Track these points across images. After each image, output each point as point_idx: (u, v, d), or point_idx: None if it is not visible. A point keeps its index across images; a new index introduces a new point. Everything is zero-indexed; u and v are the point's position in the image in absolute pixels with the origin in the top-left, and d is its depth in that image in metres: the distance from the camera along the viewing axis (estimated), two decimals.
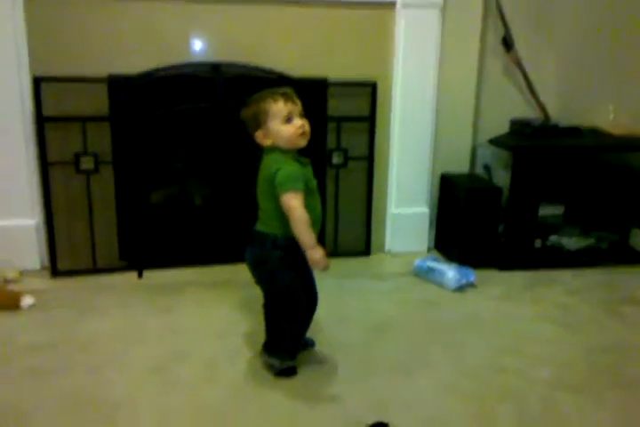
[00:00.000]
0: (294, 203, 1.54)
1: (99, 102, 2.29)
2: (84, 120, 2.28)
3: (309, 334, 1.78)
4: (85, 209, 2.36)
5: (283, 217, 1.58)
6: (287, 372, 1.71)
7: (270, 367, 1.73)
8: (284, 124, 1.59)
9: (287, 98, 1.60)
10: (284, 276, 1.64)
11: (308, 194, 1.59)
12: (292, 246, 1.59)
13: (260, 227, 1.66)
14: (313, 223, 1.59)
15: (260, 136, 1.62)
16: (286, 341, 1.72)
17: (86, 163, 2.32)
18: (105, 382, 1.68)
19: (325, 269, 1.56)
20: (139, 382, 1.68)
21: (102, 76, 2.27)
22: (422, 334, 1.99)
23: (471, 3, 2.56)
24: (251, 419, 1.53)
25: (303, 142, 1.62)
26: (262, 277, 1.68)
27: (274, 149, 1.61)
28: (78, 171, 2.32)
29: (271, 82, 2.37)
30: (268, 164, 1.61)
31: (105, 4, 2.25)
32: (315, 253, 1.54)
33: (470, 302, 2.23)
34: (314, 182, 1.65)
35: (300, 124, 1.60)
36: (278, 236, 1.61)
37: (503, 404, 1.61)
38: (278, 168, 1.57)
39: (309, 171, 1.65)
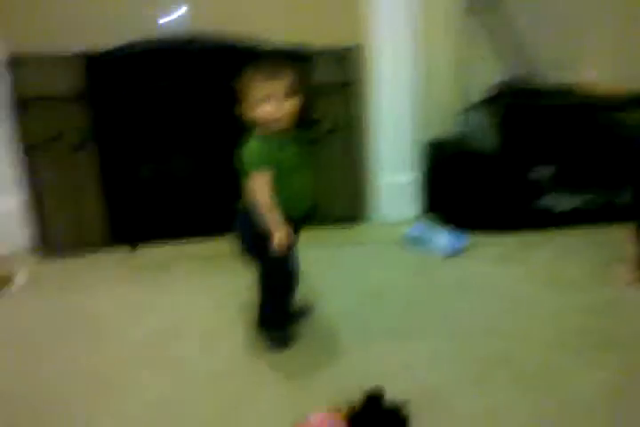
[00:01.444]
0: (255, 185, 1.54)
1: (75, 79, 2.23)
2: (63, 100, 2.22)
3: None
4: (73, 187, 2.33)
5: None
6: (279, 343, 1.72)
7: (263, 340, 1.73)
8: (259, 104, 1.52)
9: (269, 76, 1.51)
10: (267, 251, 1.60)
11: (283, 174, 1.56)
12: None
13: (240, 205, 1.64)
14: (291, 202, 1.59)
15: (243, 109, 1.57)
16: (274, 312, 1.73)
17: (69, 141, 2.27)
18: (100, 356, 1.69)
19: (282, 252, 1.55)
20: (136, 359, 1.68)
21: (76, 53, 2.20)
22: (416, 299, 2.00)
23: None
24: (250, 390, 1.54)
25: (277, 125, 1.55)
26: (250, 251, 1.67)
27: (259, 130, 1.57)
28: (63, 149, 2.28)
29: (252, 52, 2.31)
30: (245, 139, 1.58)
31: None
32: (275, 237, 1.53)
33: (462, 267, 2.24)
34: (293, 161, 1.58)
35: (275, 107, 1.51)
36: (251, 212, 1.59)
37: (499, 366, 1.62)
38: (245, 146, 1.56)
39: (289, 148, 1.58)
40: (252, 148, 1.55)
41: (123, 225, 2.41)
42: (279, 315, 1.75)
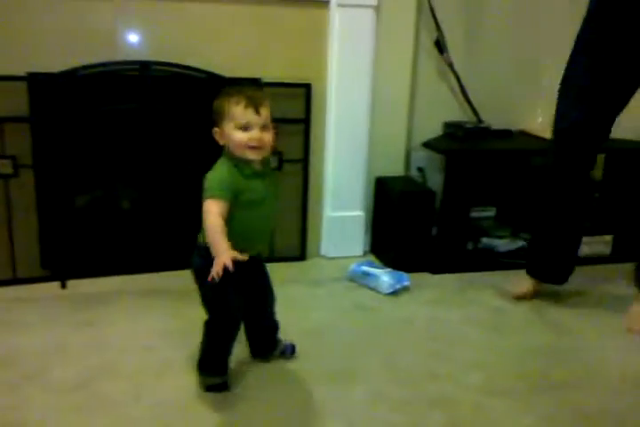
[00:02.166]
0: (207, 208, 1.44)
1: (17, 102, 2.16)
2: (1, 121, 2.15)
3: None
4: (4, 215, 2.23)
5: None
6: (217, 388, 1.65)
7: (201, 384, 1.67)
8: (237, 130, 1.47)
9: (251, 103, 1.46)
10: (210, 288, 1.52)
11: (243, 206, 1.50)
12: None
13: (199, 237, 1.56)
14: (252, 237, 1.55)
15: (216, 133, 1.52)
16: (213, 356, 1.66)
17: (4, 166, 2.19)
18: (24, 401, 1.58)
19: (218, 276, 1.40)
20: (60, 402, 1.59)
21: (21, 74, 2.14)
22: (355, 340, 1.98)
23: (405, 3, 2.56)
24: None
25: (252, 156, 1.49)
26: (202, 292, 1.59)
27: (229, 156, 1.52)
28: None
29: (202, 82, 2.31)
30: (215, 163, 1.53)
31: None
32: (216, 263, 1.40)
33: (404, 307, 2.24)
34: (257, 194, 1.52)
35: (254, 136, 1.46)
36: (203, 245, 1.52)
37: (434, 411, 1.61)
38: (209, 173, 1.51)
39: (257, 182, 1.52)
40: (216, 173, 1.50)
41: (54, 257, 2.32)
42: (216, 360, 1.67)
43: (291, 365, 1.79)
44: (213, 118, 1.53)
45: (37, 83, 2.16)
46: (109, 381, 1.69)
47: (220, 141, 1.52)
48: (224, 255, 1.40)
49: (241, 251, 1.46)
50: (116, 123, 2.31)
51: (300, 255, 2.65)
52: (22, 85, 2.16)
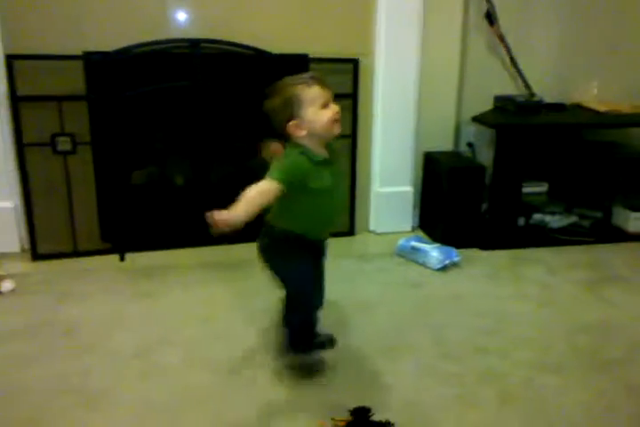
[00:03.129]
0: (258, 184, 1.42)
1: (75, 81, 2.23)
2: (59, 99, 2.22)
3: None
4: (64, 191, 2.32)
5: (284, 210, 1.53)
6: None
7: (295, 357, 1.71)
8: (322, 110, 1.46)
9: (320, 82, 1.47)
10: (287, 267, 1.58)
11: (313, 194, 1.49)
12: (292, 239, 1.54)
13: (267, 217, 1.58)
14: (317, 223, 1.56)
15: (292, 127, 1.48)
16: (296, 333, 1.70)
17: (63, 144, 2.27)
18: (86, 368, 1.67)
19: (217, 230, 1.37)
20: (121, 369, 1.67)
21: (77, 53, 2.20)
22: (405, 315, 2.00)
23: None
24: (234, 404, 1.54)
25: (338, 130, 1.50)
26: (271, 267, 1.61)
27: (298, 145, 1.50)
28: (55, 152, 2.27)
29: (251, 59, 2.32)
30: (280, 158, 1.51)
31: None
32: (223, 213, 1.37)
33: (453, 282, 2.24)
34: (325, 182, 1.50)
35: (337, 109, 1.49)
36: (278, 228, 1.55)
37: (483, 385, 1.63)
38: (287, 155, 1.49)
39: (326, 170, 1.51)
40: (288, 159, 1.48)
41: (113, 231, 2.40)
42: (303, 336, 1.69)
43: (342, 339, 1.82)
44: (279, 116, 1.49)
45: (92, 61, 2.22)
46: (166, 349, 1.76)
47: (300, 133, 1.48)
48: (232, 215, 1.37)
49: (308, 240, 1.52)
50: (169, 100, 2.35)
51: (349, 231, 2.67)
52: (79, 64, 2.22)
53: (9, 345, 1.77)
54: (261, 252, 1.61)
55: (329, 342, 1.74)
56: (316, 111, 1.46)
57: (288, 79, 1.50)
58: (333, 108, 1.48)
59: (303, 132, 1.48)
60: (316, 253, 1.66)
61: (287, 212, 1.54)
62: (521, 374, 1.68)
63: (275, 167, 1.46)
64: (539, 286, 2.22)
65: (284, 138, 1.53)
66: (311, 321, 1.68)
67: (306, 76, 1.50)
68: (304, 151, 1.48)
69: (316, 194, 1.50)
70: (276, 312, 1.85)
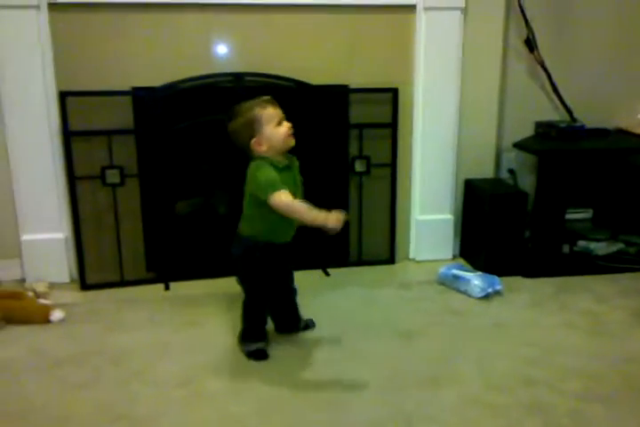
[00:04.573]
0: (284, 198, 1.68)
1: (123, 115, 2.33)
2: (109, 133, 2.31)
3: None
4: (112, 222, 2.39)
5: (255, 222, 1.80)
6: (256, 354, 1.87)
7: (243, 352, 1.88)
8: (277, 127, 1.74)
9: (273, 104, 1.75)
10: (251, 282, 1.86)
11: None
12: (261, 247, 1.79)
13: (239, 229, 1.84)
14: (284, 225, 1.78)
15: (255, 144, 1.74)
16: (253, 326, 1.90)
17: (112, 176, 2.35)
18: (133, 396, 1.70)
19: (337, 225, 1.64)
20: (166, 397, 1.70)
21: (126, 89, 2.30)
22: (448, 344, 1.98)
23: (493, 3, 2.53)
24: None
25: (293, 142, 1.77)
26: (241, 275, 1.87)
27: (261, 157, 1.75)
28: (105, 184, 2.36)
29: (292, 91, 2.38)
30: (251, 171, 1.76)
31: (126, 17, 2.27)
32: (324, 219, 1.64)
33: (496, 311, 2.21)
34: (290, 186, 1.75)
35: (289, 125, 1.76)
36: (251, 238, 1.80)
37: (531, 417, 1.59)
38: (257, 175, 1.73)
39: (289, 175, 1.78)
40: (264, 172, 1.72)
41: (159, 261, 2.46)
42: (255, 328, 1.90)
43: (383, 368, 1.82)
44: (242, 135, 1.75)
45: (140, 96, 2.32)
46: (211, 378, 1.78)
47: (260, 148, 1.74)
48: (327, 214, 1.65)
49: (271, 242, 1.80)
50: (213, 132, 2.41)
51: (390, 259, 2.67)
52: (127, 100, 2.31)
53: (59, 372, 1.81)
54: (235, 261, 1.85)
55: (311, 323, 2.04)
56: (272, 128, 1.74)
57: (246, 104, 1.77)
58: (286, 125, 1.76)
59: (264, 147, 1.75)
60: (283, 255, 1.87)
61: (257, 219, 1.80)
62: (569, 406, 1.63)
63: (267, 183, 1.70)
64: (586, 314, 2.17)
65: (247, 154, 1.79)
66: (262, 321, 1.92)
67: (260, 99, 1.76)
68: (268, 161, 1.74)
69: None
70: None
